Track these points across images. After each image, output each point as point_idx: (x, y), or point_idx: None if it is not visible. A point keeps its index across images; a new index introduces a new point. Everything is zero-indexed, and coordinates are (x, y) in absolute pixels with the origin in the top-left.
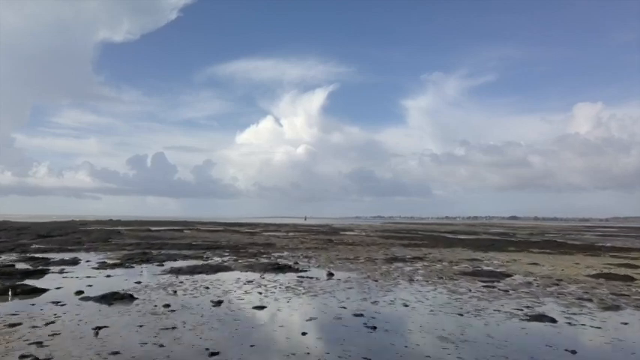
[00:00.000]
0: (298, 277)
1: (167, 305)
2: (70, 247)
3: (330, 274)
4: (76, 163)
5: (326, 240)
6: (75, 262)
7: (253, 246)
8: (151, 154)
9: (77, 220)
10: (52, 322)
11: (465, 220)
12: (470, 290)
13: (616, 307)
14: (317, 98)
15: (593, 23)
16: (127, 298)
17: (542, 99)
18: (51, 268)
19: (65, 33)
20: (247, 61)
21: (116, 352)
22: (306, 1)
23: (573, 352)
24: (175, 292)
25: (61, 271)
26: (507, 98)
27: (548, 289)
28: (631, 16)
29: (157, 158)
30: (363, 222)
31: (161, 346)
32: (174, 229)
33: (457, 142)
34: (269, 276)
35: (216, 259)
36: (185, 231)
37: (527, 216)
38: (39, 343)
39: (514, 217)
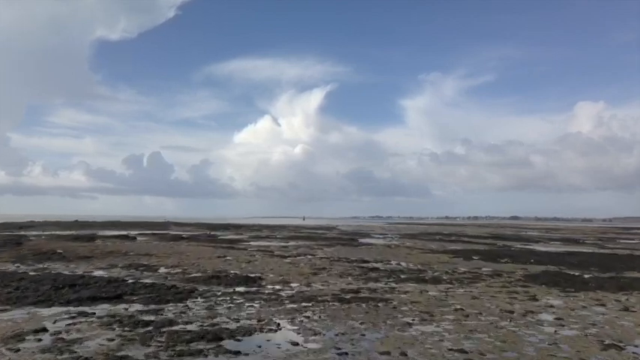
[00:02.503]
0: None
1: None
2: None
3: None
4: (72, 163)
5: (363, 266)
6: None
7: (210, 288)
8: (148, 153)
9: (38, 221)
10: None
11: (466, 221)
12: None
13: None
14: (315, 98)
15: (593, 23)
16: None
17: (542, 99)
18: None
19: (61, 31)
20: (245, 60)
21: None
22: (304, 1)
23: None
24: None
25: None
26: (507, 98)
27: None
28: (631, 16)
29: (153, 158)
30: (364, 222)
31: None
32: (124, 236)
33: (457, 141)
34: None
35: None
36: (138, 238)
37: (528, 216)
38: None
39: (515, 218)
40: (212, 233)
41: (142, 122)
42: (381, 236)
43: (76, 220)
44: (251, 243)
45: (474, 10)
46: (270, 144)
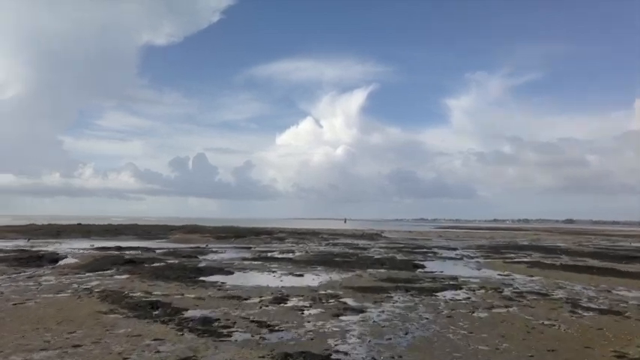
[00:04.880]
0: None
1: None
2: None
3: None
4: (119, 165)
5: None
6: None
7: None
8: (192, 155)
9: (40, 223)
10: None
11: (517, 224)
12: None
13: None
14: (356, 99)
15: None
16: None
17: (596, 96)
18: None
19: (109, 37)
20: (286, 62)
21: None
22: (344, 2)
23: None
24: None
25: None
26: (557, 96)
27: None
28: None
29: (198, 160)
30: (410, 226)
31: None
32: (29, 260)
33: (504, 140)
34: None
35: None
36: (63, 262)
37: (583, 219)
38: None
39: (569, 221)
40: (208, 246)
41: (186, 125)
42: (453, 253)
43: (79, 223)
44: (227, 282)
45: (519, 7)
46: (312, 145)
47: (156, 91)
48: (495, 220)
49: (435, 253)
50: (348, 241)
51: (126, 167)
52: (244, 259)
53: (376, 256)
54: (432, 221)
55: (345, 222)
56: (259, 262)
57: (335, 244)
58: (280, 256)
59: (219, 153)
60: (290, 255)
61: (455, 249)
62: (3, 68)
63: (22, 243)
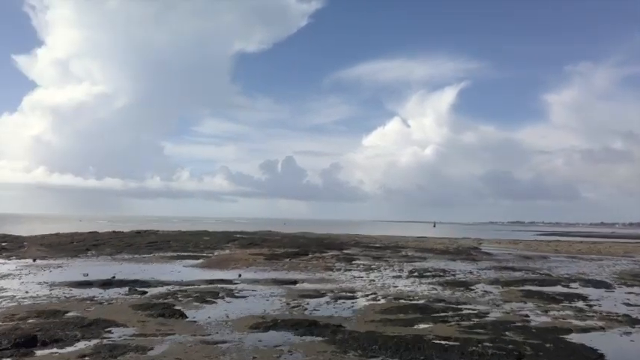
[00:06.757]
0: None
1: None
2: None
3: None
4: (214, 169)
5: None
6: None
7: None
8: (282, 159)
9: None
10: None
11: (628, 228)
12: None
13: None
14: (447, 97)
15: None
16: None
17: None
18: None
19: (206, 47)
20: (373, 63)
21: None
22: None
23: None
24: None
25: None
26: None
27: None
28: None
29: (287, 163)
30: (507, 231)
31: None
32: None
33: (616, 136)
34: None
35: None
36: None
37: None
38: None
39: None
40: (242, 275)
41: (276, 129)
42: (613, 300)
43: (139, 231)
44: None
45: None
46: (399, 146)
47: (248, 98)
48: (603, 224)
49: (583, 298)
50: (441, 264)
51: (219, 170)
52: (257, 324)
53: (491, 313)
54: (528, 224)
55: (434, 226)
56: (274, 343)
57: (422, 273)
58: (328, 311)
59: (307, 156)
60: (347, 308)
61: (605, 285)
62: (112, 81)
63: (12, 268)
